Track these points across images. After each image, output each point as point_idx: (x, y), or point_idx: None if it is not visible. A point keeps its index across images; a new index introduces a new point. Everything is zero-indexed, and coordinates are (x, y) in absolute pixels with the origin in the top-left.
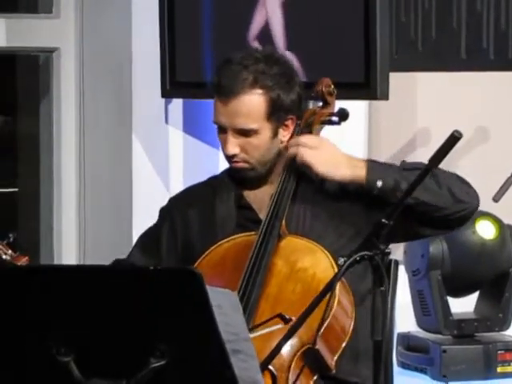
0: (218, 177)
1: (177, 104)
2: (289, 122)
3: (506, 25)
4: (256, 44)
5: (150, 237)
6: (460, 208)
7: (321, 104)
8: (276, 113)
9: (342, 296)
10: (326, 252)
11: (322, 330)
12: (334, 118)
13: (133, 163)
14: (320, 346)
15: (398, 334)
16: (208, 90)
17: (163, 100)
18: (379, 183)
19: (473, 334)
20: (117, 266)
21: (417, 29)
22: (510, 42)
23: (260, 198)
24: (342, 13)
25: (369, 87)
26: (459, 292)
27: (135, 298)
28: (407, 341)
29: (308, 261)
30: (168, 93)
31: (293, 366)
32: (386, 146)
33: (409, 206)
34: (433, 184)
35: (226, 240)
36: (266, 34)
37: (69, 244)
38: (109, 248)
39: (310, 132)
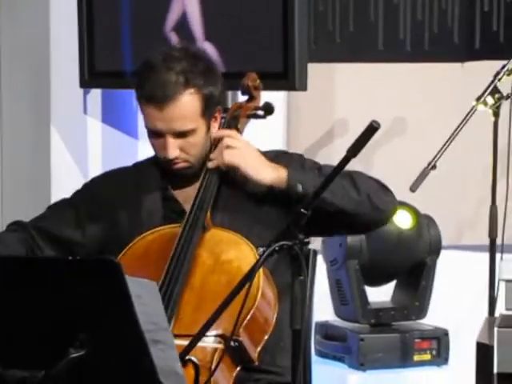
0: (143, 163)
1: (95, 94)
2: (217, 114)
3: (422, 16)
4: (173, 35)
5: (69, 214)
6: (378, 215)
7: (246, 98)
8: (209, 108)
9: (265, 288)
10: (250, 245)
11: (245, 322)
12: (260, 112)
13: (51, 153)
14: (243, 337)
15: (316, 323)
16: (126, 81)
17: (82, 90)
18: (299, 187)
19: (390, 322)
20: (37, 257)
21: (335, 19)
22: (427, 33)
23: (186, 191)
24: (260, 2)
25: (287, 78)
26: (376, 281)
27: (55, 288)
28: (325, 330)
29: (233, 253)
30: (87, 83)
31: (215, 357)
32: (304, 136)
33: (328, 212)
34: (352, 191)
35: (150, 232)
36: (183, 25)
37: None
38: None
39: (236, 126)
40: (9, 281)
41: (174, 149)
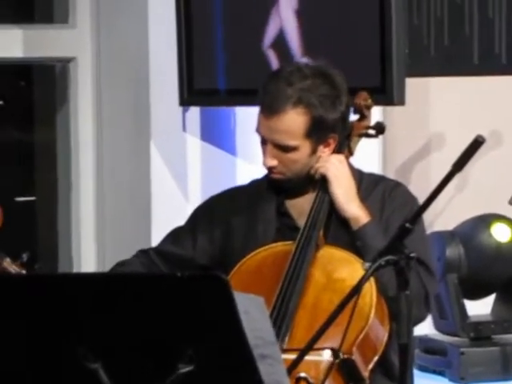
0: (260, 181)
1: (194, 112)
2: (330, 140)
3: None
4: (271, 52)
5: (185, 230)
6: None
7: (358, 117)
8: (316, 131)
9: (378, 306)
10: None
11: (358, 340)
12: (371, 131)
13: (151, 171)
14: (356, 355)
15: (416, 337)
16: (222, 98)
17: (180, 108)
18: (359, 242)
19: (490, 336)
20: (145, 273)
21: (429, 33)
22: None
23: (299, 206)
24: (357, 17)
25: (385, 92)
26: (476, 294)
27: (163, 303)
28: (425, 343)
29: (345, 271)
30: (186, 101)
31: (328, 374)
32: (400, 151)
33: None
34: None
35: (263, 248)
36: (281, 42)
37: (87, 252)
38: (128, 256)
39: (348, 145)
40: (120, 296)
41: (271, 158)
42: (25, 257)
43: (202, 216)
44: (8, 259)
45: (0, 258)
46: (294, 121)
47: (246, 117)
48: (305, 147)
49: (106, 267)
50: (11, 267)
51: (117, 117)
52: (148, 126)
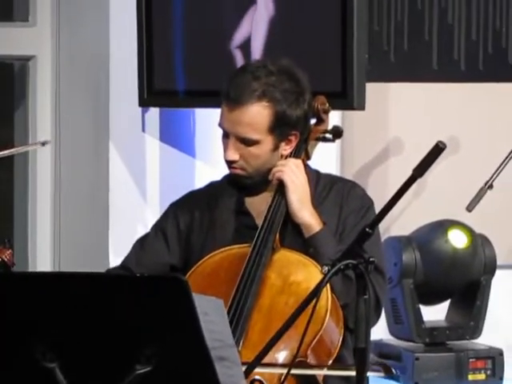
0: (218, 182)
1: (153, 113)
2: (292, 138)
3: (476, 36)
4: (238, 52)
5: (154, 237)
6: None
7: (315, 121)
8: (279, 127)
9: (332, 310)
10: (318, 266)
11: (312, 344)
12: (328, 136)
13: (110, 171)
14: (310, 359)
15: (371, 342)
16: (182, 100)
17: (140, 109)
18: (312, 250)
19: (445, 341)
20: (103, 273)
21: (389, 39)
22: (481, 53)
23: (258, 205)
24: (318, 21)
25: (345, 97)
26: (431, 300)
27: (121, 304)
28: (379, 348)
29: (301, 274)
30: (146, 102)
31: (282, 378)
32: (358, 155)
33: None
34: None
35: (219, 251)
36: (247, 43)
37: (43, 250)
38: (84, 255)
39: (305, 148)
40: (77, 296)
41: (233, 151)
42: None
43: (166, 222)
44: None
45: None
46: (257, 114)
47: (206, 118)
48: (267, 142)
49: (62, 267)
50: None
51: (76, 116)
52: (107, 126)
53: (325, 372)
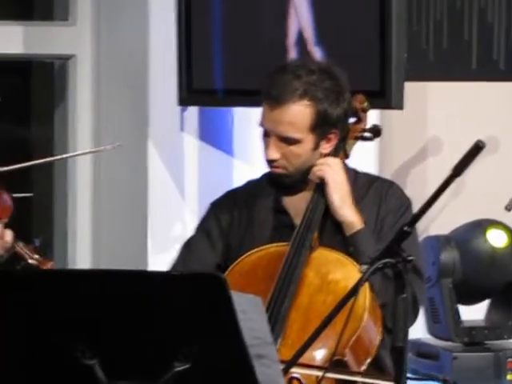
0: (256, 181)
1: (192, 111)
2: (332, 136)
3: None
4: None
5: (199, 238)
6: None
7: (354, 120)
8: (320, 126)
9: (371, 309)
10: (356, 265)
11: (350, 342)
12: (367, 134)
13: (148, 170)
14: (348, 358)
15: (409, 341)
16: (222, 98)
17: (179, 108)
18: (352, 248)
19: (483, 341)
20: (143, 271)
21: (428, 38)
22: None
23: (296, 204)
24: (357, 21)
25: (384, 96)
26: (470, 300)
27: (160, 301)
28: (418, 347)
29: (339, 273)
30: (185, 101)
31: (321, 376)
32: (397, 155)
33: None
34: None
35: (258, 249)
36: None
37: (83, 250)
38: (123, 254)
39: (344, 147)
40: (117, 294)
41: (274, 151)
42: (36, 242)
43: (208, 222)
44: (21, 243)
45: (14, 242)
46: (299, 113)
47: (244, 117)
48: (308, 141)
49: (101, 265)
50: (24, 251)
51: (115, 115)
52: (146, 125)
53: (361, 379)
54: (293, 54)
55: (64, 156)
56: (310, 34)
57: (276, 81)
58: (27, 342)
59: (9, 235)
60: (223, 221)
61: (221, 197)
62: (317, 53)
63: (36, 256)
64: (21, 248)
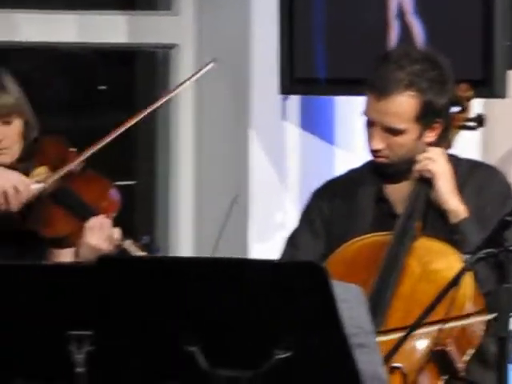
0: (357, 169)
1: (294, 100)
2: (436, 126)
3: None
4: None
5: (304, 229)
6: None
7: (458, 109)
8: (425, 116)
9: (474, 298)
10: (459, 255)
11: (454, 332)
12: (471, 124)
13: (249, 159)
14: (451, 347)
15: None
16: (324, 87)
17: (280, 96)
18: (458, 236)
19: None
20: (244, 259)
21: None
22: None
23: (398, 193)
24: (460, 10)
25: (487, 85)
26: None
27: (261, 290)
28: None
29: (442, 263)
30: (286, 89)
31: (423, 365)
32: (500, 144)
33: None
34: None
35: (359, 238)
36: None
37: (185, 238)
38: (224, 243)
39: (447, 137)
40: (219, 281)
41: (378, 141)
42: (145, 239)
43: (310, 212)
44: (129, 241)
45: (121, 239)
46: (404, 104)
47: (346, 106)
48: (412, 131)
49: (203, 253)
50: (132, 248)
51: (216, 104)
52: (247, 114)
53: (455, 323)
54: (393, 35)
55: (167, 97)
56: (410, 10)
57: (380, 71)
58: (140, 328)
59: (117, 233)
60: (325, 210)
61: (322, 186)
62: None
63: (143, 253)
64: (129, 245)
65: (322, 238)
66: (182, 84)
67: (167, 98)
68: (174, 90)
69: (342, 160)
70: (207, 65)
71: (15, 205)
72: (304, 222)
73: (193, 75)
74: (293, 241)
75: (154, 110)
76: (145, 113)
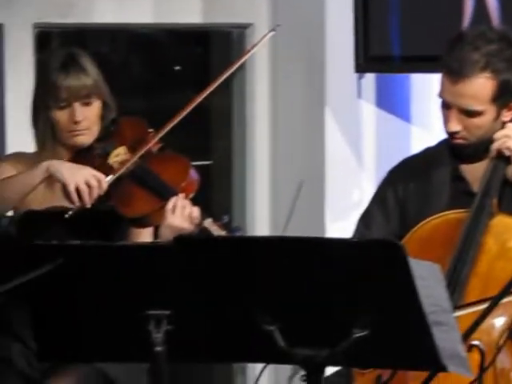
0: (434, 148)
1: (369, 78)
2: None
3: None
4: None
5: (378, 209)
6: None
7: None
8: (502, 96)
9: None
10: None
11: None
12: None
13: (325, 137)
14: None
15: None
16: (400, 64)
17: (356, 74)
18: None
19: None
20: (321, 238)
21: None
22: None
23: (474, 171)
24: None
25: None
26: None
27: (338, 268)
28: None
29: None
30: (362, 67)
31: (501, 343)
32: None
33: None
34: None
35: (436, 216)
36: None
37: (261, 217)
38: (300, 222)
39: None
40: (296, 260)
41: (455, 123)
42: (225, 218)
43: (385, 191)
44: (209, 220)
45: (202, 218)
46: (481, 86)
47: (422, 83)
48: (490, 112)
49: (279, 232)
50: (212, 227)
51: (292, 83)
52: (323, 93)
53: None
54: (468, 12)
55: (235, 66)
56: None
57: (455, 53)
58: (209, 309)
59: (197, 212)
60: (400, 189)
61: (397, 165)
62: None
63: (223, 232)
64: (209, 224)
65: (394, 218)
66: (243, 56)
67: (230, 71)
68: (236, 61)
69: (418, 138)
70: (266, 35)
71: (89, 201)
72: (376, 202)
73: (253, 46)
74: (365, 220)
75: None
76: (213, 86)
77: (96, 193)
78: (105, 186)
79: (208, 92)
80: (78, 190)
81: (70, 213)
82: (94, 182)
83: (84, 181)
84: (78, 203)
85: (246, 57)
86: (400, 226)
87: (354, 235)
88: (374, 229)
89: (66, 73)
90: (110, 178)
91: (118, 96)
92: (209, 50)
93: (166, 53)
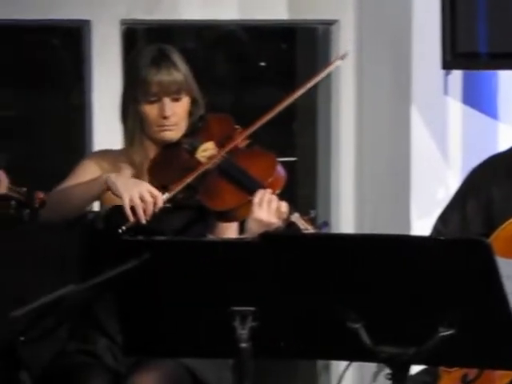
0: None
1: (456, 75)
2: None
3: None
4: None
5: (453, 209)
6: None
7: None
8: None
9: None
10: None
11: None
12: None
13: (411, 134)
14: None
15: None
16: (486, 61)
17: (442, 71)
18: None
19: None
20: (405, 235)
21: None
22: None
23: None
24: None
25: None
26: None
27: (424, 267)
28: None
29: None
30: (449, 64)
31: None
32: None
33: None
34: None
35: None
36: None
37: (346, 213)
38: (386, 219)
39: None
40: (381, 258)
41: None
42: (312, 213)
43: (465, 191)
44: (296, 214)
45: (289, 213)
46: None
47: (509, 80)
48: None
49: (364, 229)
50: (300, 222)
51: (378, 79)
52: (409, 89)
53: None
54: None
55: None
56: None
57: None
58: (304, 305)
59: (284, 206)
60: (483, 189)
61: (481, 163)
62: None
63: (310, 227)
64: (296, 218)
65: (475, 217)
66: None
67: (323, 75)
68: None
69: (505, 135)
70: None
71: (143, 217)
72: (457, 200)
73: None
74: (444, 217)
75: (313, 87)
76: (304, 88)
77: (151, 209)
78: (160, 202)
79: (295, 97)
80: (133, 207)
81: (124, 228)
82: (148, 198)
83: (139, 195)
84: (132, 218)
85: (331, 67)
86: (484, 225)
87: (432, 230)
88: (450, 226)
89: (157, 68)
90: (166, 195)
91: (203, 92)
92: (294, 47)
93: (251, 49)
